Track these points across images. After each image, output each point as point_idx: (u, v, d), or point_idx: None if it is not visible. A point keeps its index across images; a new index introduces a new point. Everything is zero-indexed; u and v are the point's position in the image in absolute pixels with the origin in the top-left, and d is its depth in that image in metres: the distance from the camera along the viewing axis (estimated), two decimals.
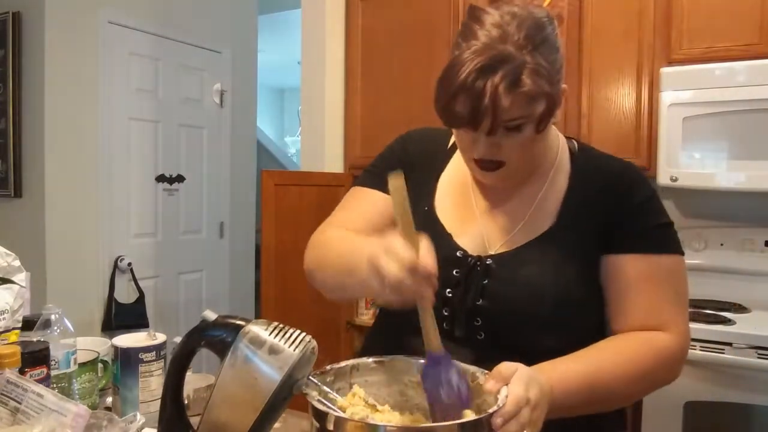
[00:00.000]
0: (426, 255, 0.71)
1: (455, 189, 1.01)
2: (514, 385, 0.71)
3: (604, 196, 0.93)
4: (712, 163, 2.04)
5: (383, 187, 0.98)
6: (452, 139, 1.04)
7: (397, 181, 0.73)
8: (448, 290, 0.92)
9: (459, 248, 0.95)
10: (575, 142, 1.01)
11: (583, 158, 0.99)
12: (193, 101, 3.54)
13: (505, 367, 0.74)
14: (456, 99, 0.82)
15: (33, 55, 2.84)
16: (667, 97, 2.11)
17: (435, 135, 1.09)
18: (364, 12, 2.60)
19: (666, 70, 2.12)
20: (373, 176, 1.07)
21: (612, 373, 0.86)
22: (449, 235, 0.96)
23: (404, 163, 1.02)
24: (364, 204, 1.04)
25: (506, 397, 0.73)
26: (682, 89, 2.08)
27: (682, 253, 0.94)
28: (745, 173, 1.99)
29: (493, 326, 0.91)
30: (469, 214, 0.98)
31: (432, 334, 0.76)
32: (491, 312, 0.91)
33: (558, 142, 0.99)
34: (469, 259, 0.94)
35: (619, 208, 0.92)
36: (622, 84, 2.29)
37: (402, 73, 2.50)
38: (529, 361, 0.79)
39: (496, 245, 0.94)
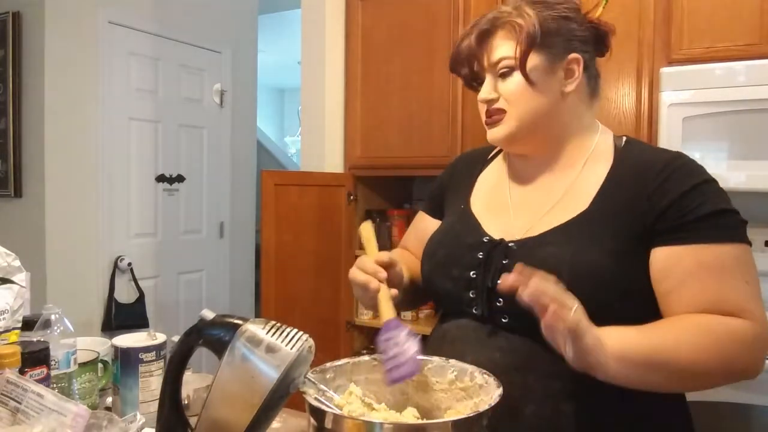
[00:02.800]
0: (370, 260, 0.94)
1: (491, 186, 1.08)
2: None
3: (644, 184, 0.90)
4: (712, 163, 2.04)
5: (431, 213, 1.18)
6: (494, 150, 1.14)
7: (365, 226, 1.01)
8: (473, 272, 0.95)
9: (486, 234, 0.99)
10: (625, 138, 1.01)
11: (629, 150, 0.98)
12: (193, 101, 3.54)
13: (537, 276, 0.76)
14: (459, 46, 1.00)
15: (33, 55, 2.84)
16: (667, 97, 2.11)
17: (481, 150, 1.18)
18: (364, 12, 2.60)
19: (666, 70, 2.12)
20: (426, 201, 1.22)
21: (679, 336, 0.81)
22: (479, 225, 1.02)
23: (446, 181, 1.17)
24: (418, 225, 1.21)
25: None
26: (682, 89, 2.08)
27: (743, 241, 0.88)
28: (745, 173, 1.99)
29: (514, 307, 0.86)
30: (502, 206, 1.03)
31: (383, 308, 0.91)
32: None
33: (596, 132, 1.01)
34: (493, 242, 0.97)
35: (660, 196, 0.88)
36: (622, 84, 2.29)
37: (402, 73, 2.50)
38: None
39: (523, 231, 0.96)
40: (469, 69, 1.01)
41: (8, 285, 1.08)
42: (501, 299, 0.91)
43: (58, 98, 2.86)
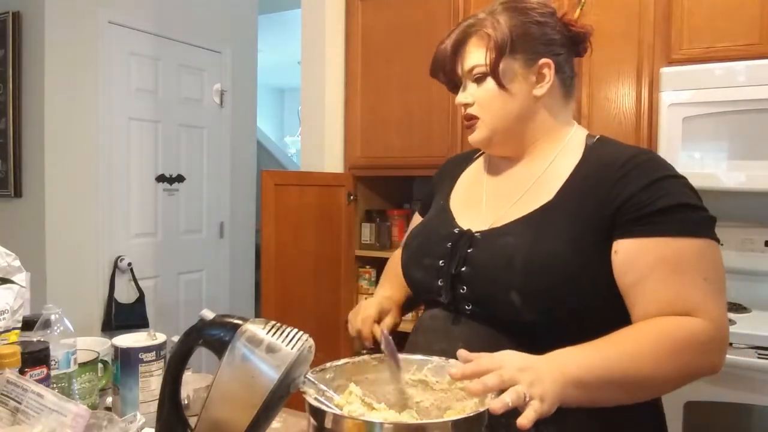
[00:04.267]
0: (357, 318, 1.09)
1: (470, 182, 1.13)
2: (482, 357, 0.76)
3: (606, 177, 0.91)
4: (712, 163, 2.04)
5: (423, 214, 1.21)
6: (479, 153, 1.18)
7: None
8: (441, 261, 0.99)
9: (457, 226, 1.03)
10: (598, 136, 1.02)
11: (599, 146, 0.99)
12: (193, 101, 3.54)
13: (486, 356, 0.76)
14: (436, 53, 1.07)
15: (33, 55, 2.84)
16: (667, 97, 2.11)
17: (469, 151, 1.22)
18: (364, 12, 2.60)
19: (666, 70, 2.12)
20: (419, 203, 1.27)
21: (636, 349, 0.81)
22: (452, 218, 1.06)
23: (435, 183, 1.22)
24: (412, 226, 1.23)
25: (494, 396, 0.73)
26: (682, 89, 2.08)
27: (706, 237, 0.87)
28: (745, 173, 1.99)
29: (475, 294, 0.94)
30: (476, 199, 1.07)
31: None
32: (471, 278, 0.95)
33: (568, 130, 1.03)
34: (461, 233, 1.01)
35: (621, 189, 0.89)
36: (622, 84, 2.29)
37: (402, 73, 2.50)
38: (526, 347, 0.80)
39: (490, 222, 0.99)
40: (445, 75, 1.08)
41: (8, 285, 1.08)
42: (465, 287, 0.95)
43: (58, 98, 2.86)
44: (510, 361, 0.75)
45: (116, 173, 3.13)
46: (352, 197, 2.62)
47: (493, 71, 0.97)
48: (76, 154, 2.94)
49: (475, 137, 1.04)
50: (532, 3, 1.01)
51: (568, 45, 1.02)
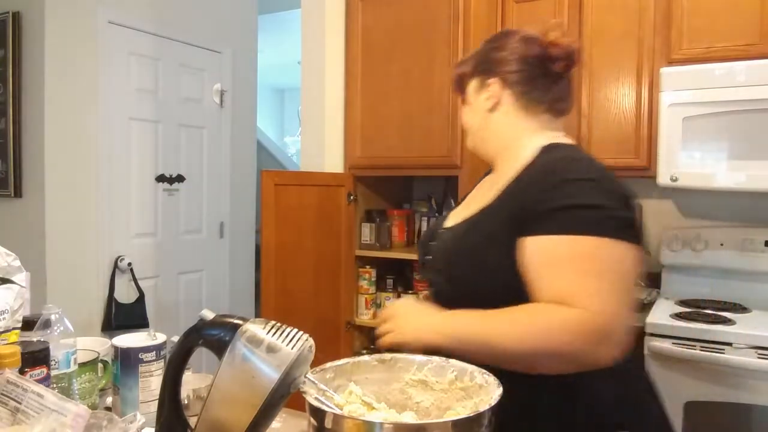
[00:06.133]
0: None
1: (475, 189, 1.27)
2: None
3: (529, 181, 1.01)
4: (712, 163, 2.04)
5: None
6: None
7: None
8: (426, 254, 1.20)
9: (442, 227, 1.20)
10: (549, 143, 1.09)
11: (544, 154, 1.07)
12: (193, 101, 3.54)
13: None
14: None
15: (33, 55, 2.84)
16: (667, 97, 2.11)
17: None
18: (364, 12, 2.60)
19: (666, 70, 2.12)
20: None
21: (505, 324, 0.93)
22: (444, 220, 1.22)
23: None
24: None
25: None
26: (682, 89, 2.08)
27: (603, 235, 0.92)
28: (745, 173, 1.99)
29: (433, 279, 1.16)
30: (464, 204, 1.23)
31: None
32: (428, 265, 1.18)
33: (529, 140, 1.11)
34: (438, 231, 1.20)
35: (531, 191, 0.98)
36: (622, 84, 2.29)
37: (402, 73, 2.50)
38: None
39: (452, 223, 1.16)
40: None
41: (8, 285, 1.08)
42: (427, 272, 1.19)
43: (58, 98, 2.86)
44: (395, 309, 1.11)
45: (116, 173, 3.13)
46: (352, 197, 2.62)
47: (455, 90, 1.23)
48: (76, 154, 2.94)
49: (470, 147, 1.24)
50: (507, 30, 1.19)
51: (535, 63, 1.11)
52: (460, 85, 1.19)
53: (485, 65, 1.14)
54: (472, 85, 1.17)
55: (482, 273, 1.01)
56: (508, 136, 1.13)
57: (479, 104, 1.15)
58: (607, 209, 0.94)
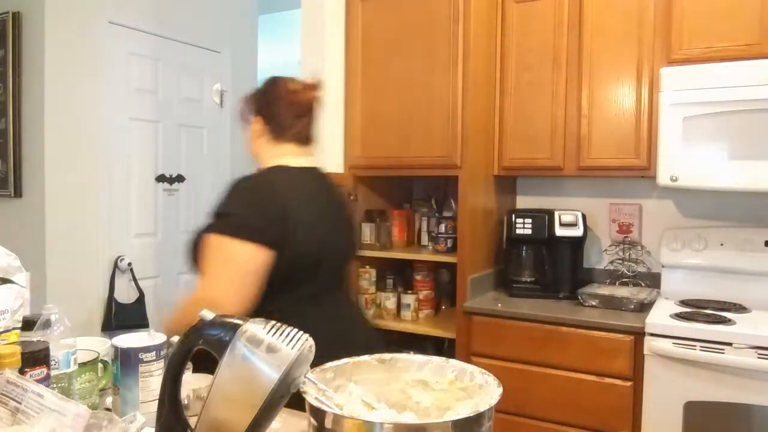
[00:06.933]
0: None
1: None
2: None
3: None
4: (712, 163, 2.04)
5: None
6: None
7: None
8: None
9: None
10: (272, 167, 1.48)
11: (258, 173, 1.48)
12: (193, 101, 3.54)
13: None
14: None
15: (33, 55, 2.84)
16: (667, 97, 2.11)
17: None
18: (364, 12, 2.60)
19: (666, 70, 2.12)
20: None
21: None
22: None
23: None
24: None
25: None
26: (682, 89, 2.08)
27: (217, 233, 1.33)
28: (745, 173, 1.99)
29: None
30: None
31: None
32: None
33: (268, 163, 1.51)
34: None
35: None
36: (622, 84, 2.29)
37: (402, 73, 2.50)
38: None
39: None
40: None
41: (8, 285, 1.08)
42: None
43: (58, 98, 2.86)
44: None
45: (116, 173, 3.13)
46: (352, 197, 2.62)
47: (239, 119, 1.63)
48: (76, 154, 2.94)
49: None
50: (274, 78, 1.56)
51: (283, 107, 1.50)
52: (243, 115, 1.58)
53: (253, 105, 1.55)
54: (249, 117, 1.56)
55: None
56: (263, 157, 1.54)
57: (250, 132, 1.55)
58: (228, 216, 1.35)
